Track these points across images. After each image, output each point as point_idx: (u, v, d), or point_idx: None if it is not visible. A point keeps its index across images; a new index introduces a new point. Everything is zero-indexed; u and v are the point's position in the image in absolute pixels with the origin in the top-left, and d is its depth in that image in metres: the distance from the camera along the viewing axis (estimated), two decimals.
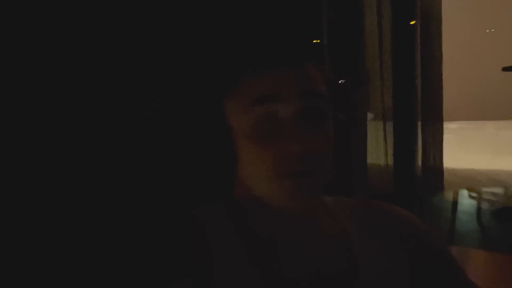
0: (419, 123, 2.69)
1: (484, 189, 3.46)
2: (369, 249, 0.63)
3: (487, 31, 7.16)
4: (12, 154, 0.69)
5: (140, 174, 0.83)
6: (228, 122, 0.60)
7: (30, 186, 0.70)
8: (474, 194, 3.32)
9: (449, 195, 3.25)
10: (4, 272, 0.65)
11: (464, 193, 3.36)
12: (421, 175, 2.66)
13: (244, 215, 0.63)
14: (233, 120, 0.59)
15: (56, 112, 0.74)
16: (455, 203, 3.07)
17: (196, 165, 0.83)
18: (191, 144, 0.82)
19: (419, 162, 2.64)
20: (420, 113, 2.67)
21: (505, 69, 3.18)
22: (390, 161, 2.48)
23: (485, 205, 3.17)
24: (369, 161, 2.38)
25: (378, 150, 2.46)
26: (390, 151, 2.49)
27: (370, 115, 2.56)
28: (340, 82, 2.27)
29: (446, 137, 3.66)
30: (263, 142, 0.57)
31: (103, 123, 0.80)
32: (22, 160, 0.70)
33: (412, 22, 2.73)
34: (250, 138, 0.57)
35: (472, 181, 3.72)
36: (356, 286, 0.59)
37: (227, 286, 0.55)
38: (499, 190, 3.51)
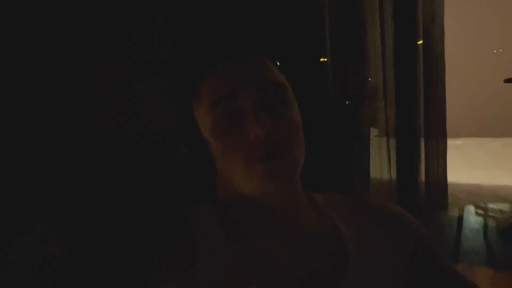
0: (422, 139, 2.70)
1: (491, 206, 3.42)
2: (359, 243, 0.64)
3: (495, 51, 7.18)
4: (7, 155, 0.71)
5: (128, 172, 0.84)
6: (199, 126, 0.64)
7: (21, 185, 0.72)
8: (480, 211, 3.28)
9: (454, 212, 3.23)
10: (3, 271, 0.67)
11: (470, 209, 3.33)
12: (424, 191, 2.65)
13: (229, 211, 0.64)
14: (200, 123, 0.63)
15: (45, 111, 0.76)
16: (460, 219, 3.04)
17: (183, 164, 0.84)
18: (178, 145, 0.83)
19: (423, 178, 2.64)
20: (424, 129, 2.68)
21: (507, 80, 3.18)
22: (394, 177, 2.49)
23: (491, 223, 3.13)
24: (372, 177, 2.39)
25: (382, 166, 2.47)
26: (394, 167, 2.50)
27: (373, 131, 2.58)
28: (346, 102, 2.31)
29: (452, 153, 3.65)
30: (228, 136, 0.60)
31: (84, 122, 0.81)
32: (18, 160, 0.72)
33: (419, 42, 2.77)
34: (215, 136, 0.61)
35: (478, 197, 3.69)
36: (346, 279, 0.60)
37: (214, 282, 0.56)
38: (506, 207, 3.48)
